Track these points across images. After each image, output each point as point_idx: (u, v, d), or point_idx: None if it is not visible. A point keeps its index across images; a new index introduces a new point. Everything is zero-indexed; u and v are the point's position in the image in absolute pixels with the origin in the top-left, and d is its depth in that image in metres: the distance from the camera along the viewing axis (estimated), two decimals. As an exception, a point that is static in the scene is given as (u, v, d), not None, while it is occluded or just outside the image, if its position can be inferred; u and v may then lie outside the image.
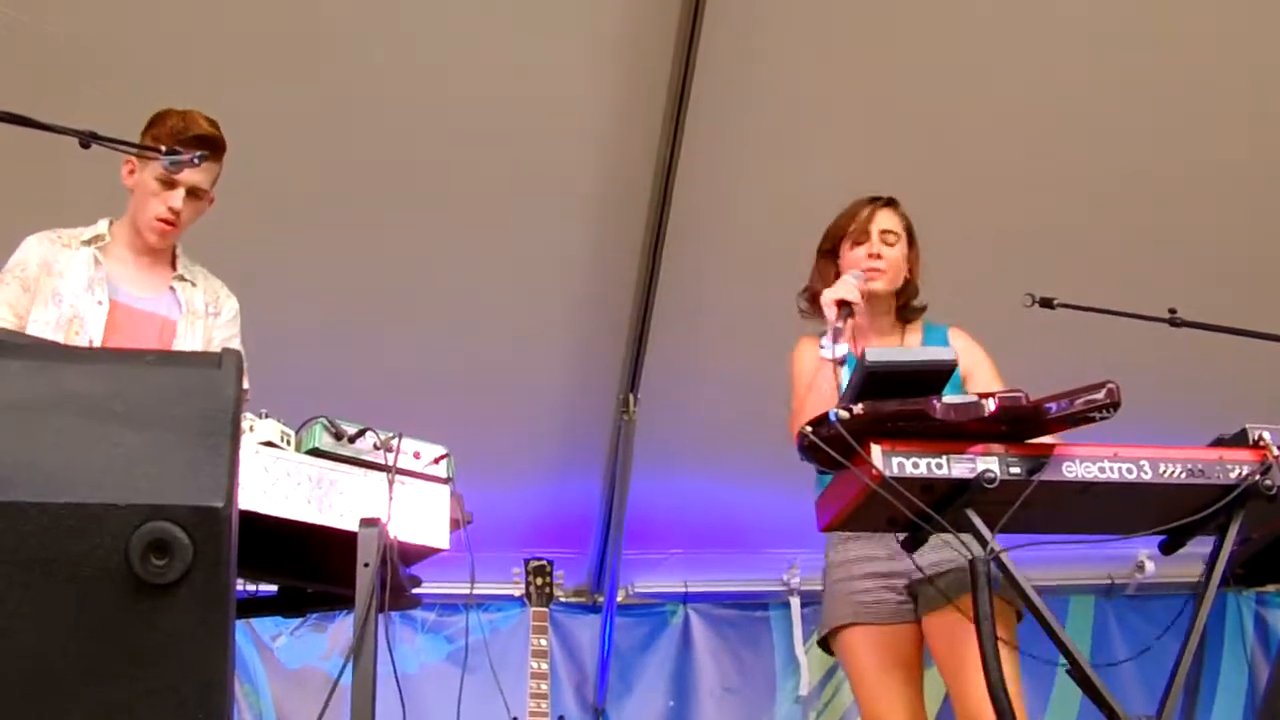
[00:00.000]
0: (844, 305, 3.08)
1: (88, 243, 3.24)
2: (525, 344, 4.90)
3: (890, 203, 3.38)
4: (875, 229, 3.32)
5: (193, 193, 3.21)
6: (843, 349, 3.03)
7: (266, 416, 2.60)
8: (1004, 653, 2.79)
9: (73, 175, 3.52)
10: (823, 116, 4.37)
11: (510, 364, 4.90)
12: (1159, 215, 4.58)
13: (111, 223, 3.30)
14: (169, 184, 3.18)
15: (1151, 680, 2.84)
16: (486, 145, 4.35)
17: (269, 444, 2.56)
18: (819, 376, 3.11)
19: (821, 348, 3.10)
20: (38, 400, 1.47)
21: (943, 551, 2.95)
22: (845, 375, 3.04)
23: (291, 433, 2.63)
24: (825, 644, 3.33)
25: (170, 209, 3.19)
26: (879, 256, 3.29)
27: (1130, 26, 4.16)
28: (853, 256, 3.32)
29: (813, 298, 3.34)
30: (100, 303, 3.16)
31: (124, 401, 1.48)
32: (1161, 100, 4.31)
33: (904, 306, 3.39)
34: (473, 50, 4.13)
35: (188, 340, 3.25)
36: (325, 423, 2.62)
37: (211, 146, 3.17)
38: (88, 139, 2.76)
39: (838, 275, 3.28)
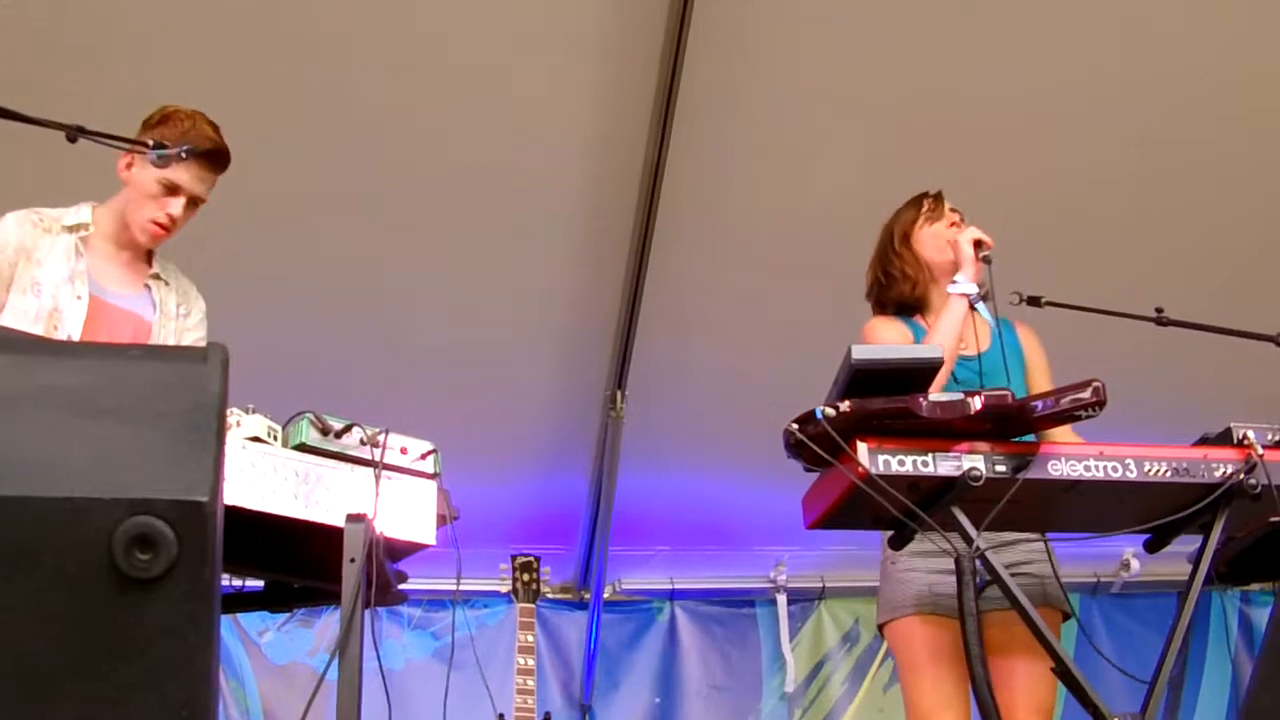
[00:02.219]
0: (980, 244, 3.21)
1: (70, 229, 3.14)
2: (513, 340, 4.90)
3: (941, 194, 3.47)
4: (947, 210, 3.40)
5: (192, 201, 3.16)
6: (974, 287, 3.17)
7: (253, 412, 2.59)
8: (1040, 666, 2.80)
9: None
10: (812, 113, 4.37)
11: (498, 360, 4.90)
12: (1147, 214, 4.59)
13: (94, 208, 3.21)
14: (171, 190, 3.12)
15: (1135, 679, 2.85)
16: (475, 143, 4.33)
17: (255, 439, 2.55)
18: (950, 312, 3.16)
19: (955, 283, 3.19)
20: (21, 394, 1.46)
21: (1014, 553, 2.96)
22: (984, 311, 3.18)
23: (278, 428, 2.63)
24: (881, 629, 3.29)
25: (169, 215, 3.13)
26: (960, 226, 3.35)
27: (1127, 27, 4.17)
28: (936, 230, 3.36)
29: (885, 281, 3.39)
30: (79, 297, 3.09)
31: (108, 396, 1.47)
32: (1152, 100, 4.32)
33: None
34: (463, 49, 4.12)
35: (161, 340, 3.19)
36: (312, 418, 2.62)
37: (218, 160, 3.14)
38: (75, 133, 2.75)
39: (917, 260, 3.34)
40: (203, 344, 3.24)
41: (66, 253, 3.12)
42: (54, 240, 3.12)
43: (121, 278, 3.22)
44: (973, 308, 3.20)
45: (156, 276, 3.27)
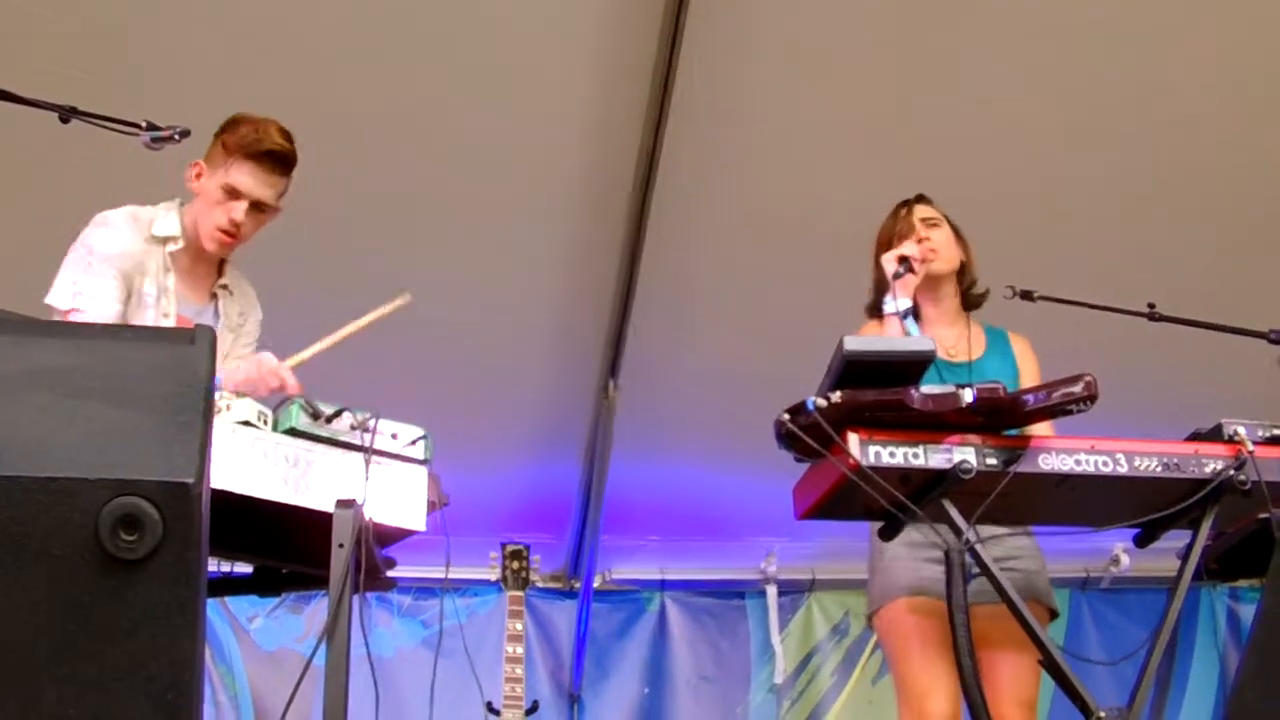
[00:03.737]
0: (904, 260, 3.29)
1: (159, 240, 3.07)
2: (506, 327, 4.89)
3: (921, 198, 3.52)
4: (916, 219, 3.43)
5: (257, 205, 3.09)
6: (905, 302, 3.24)
7: (243, 396, 2.58)
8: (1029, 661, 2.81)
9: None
10: (807, 104, 4.36)
11: (491, 346, 4.89)
12: (1140, 210, 4.60)
13: (180, 214, 3.14)
14: (233, 194, 3.05)
15: (1123, 674, 2.86)
16: (470, 134, 4.33)
17: (246, 423, 2.55)
18: (886, 328, 3.24)
19: (885, 302, 3.28)
20: (9, 375, 1.46)
21: (1000, 547, 2.96)
22: (911, 327, 3.23)
23: (268, 412, 2.62)
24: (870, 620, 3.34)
25: (231, 220, 3.06)
26: (926, 239, 3.39)
27: (1120, 28, 4.17)
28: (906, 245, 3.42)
29: (878, 294, 3.44)
30: (166, 315, 3.03)
31: (96, 377, 1.47)
32: (1145, 98, 4.32)
33: (966, 292, 3.48)
34: (460, 43, 4.11)
35: (219, 352, 3.14)
36: (302, 402, 2.61)
37: (282, 162, 3.09)
38: (67, 114, 2.73)
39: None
40: (250, 349, 3.22)
41: (159, 266, 3.06)
42: (149, 250, 3.06)
43: (196, 289, 3.16)
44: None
45: (224, 287, 3.23)
